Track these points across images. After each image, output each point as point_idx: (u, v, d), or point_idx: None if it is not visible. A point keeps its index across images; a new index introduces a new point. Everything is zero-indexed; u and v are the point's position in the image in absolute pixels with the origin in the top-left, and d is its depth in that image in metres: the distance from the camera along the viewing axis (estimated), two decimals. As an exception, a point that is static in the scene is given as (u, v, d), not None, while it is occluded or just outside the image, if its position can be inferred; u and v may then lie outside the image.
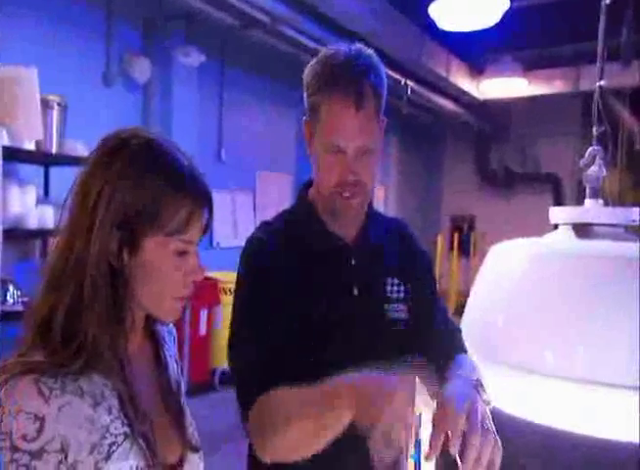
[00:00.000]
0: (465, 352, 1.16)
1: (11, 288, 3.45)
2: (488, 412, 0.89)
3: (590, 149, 0.90)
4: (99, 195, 0.80)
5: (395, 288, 1.19)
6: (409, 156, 9.53)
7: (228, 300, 4.60)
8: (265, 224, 1.20)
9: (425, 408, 1.17)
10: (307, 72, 1.11)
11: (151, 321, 0.95)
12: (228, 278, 4.62)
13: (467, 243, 8.35)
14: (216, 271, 4.55)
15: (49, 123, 3.60)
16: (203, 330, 4.95)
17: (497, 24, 4.35)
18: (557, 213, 0.88)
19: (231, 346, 1.10)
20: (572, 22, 5.38)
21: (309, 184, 1.22)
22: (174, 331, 1.06)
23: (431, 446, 0.83)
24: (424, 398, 1.13)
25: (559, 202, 8.61)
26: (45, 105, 3.55)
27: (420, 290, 1.22)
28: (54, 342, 0.78)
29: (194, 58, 4.83)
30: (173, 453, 0.91)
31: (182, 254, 0.85)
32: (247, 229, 3.30)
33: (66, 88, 3.91)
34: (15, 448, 0.72)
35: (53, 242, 0.88)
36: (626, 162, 7.22)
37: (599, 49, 0.93)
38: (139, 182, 0.81)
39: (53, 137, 3.66)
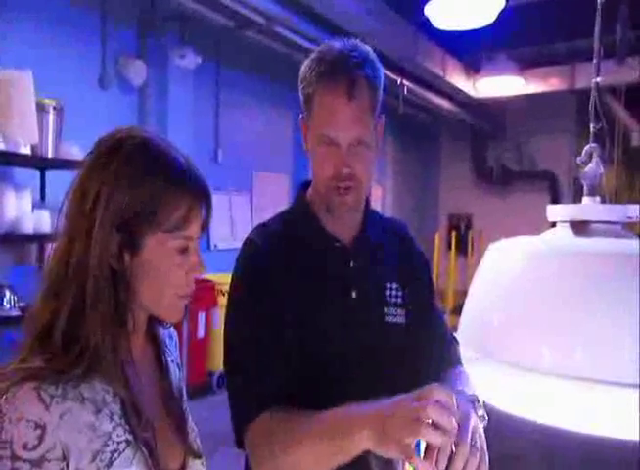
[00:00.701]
0: (460, 364, 1.14)
1: (7, 293, 3.41)
2: (481, 429, 0.86)
3: (587, 146, 0.90)
4: (97, 196, 0.79)
5: (394, 292, 1.18)
6: (406, 155, 9.54)
7: (225, 302, 4.56)
8: (262, 226, 1.19)
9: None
10: (303, 67, 1.09)
11: (152, 324, 0.94)
12: (225, 280, 4.57)
13: (464, 241, 8.35)
14: (214, 273, 4.53)
15: (45, 127, 3.57)
16: (201, 332, 4.93)
17: (493, 23, 4.35)
18: (555, 211, 0.88)
19: (227, 352, 1.07)
20: (567, 20, 5.39)
21: (307, 185, 1.21)
22: (175, 334, 1.05)
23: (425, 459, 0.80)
24: None
25: (555, 199, 8.62)
26: (41, 109, 3.52)
27: (418, 294, 1.21)
28: (54, 347, 0.78)
29: (189, 60, 4.82)
30: (175, 460, 0.91)
31: (183, 251, 0.85)
32: (244, 230, 3.29)
33: (62, 91, 3.89)
34: (15, 458, 0.71)
35: (50, 247, 0.87)
36: (623, 159, 7.24)
37: (595, 46, 0.93)
38: (137, 181, 0.81)
39: (49, 141, 3.62)
